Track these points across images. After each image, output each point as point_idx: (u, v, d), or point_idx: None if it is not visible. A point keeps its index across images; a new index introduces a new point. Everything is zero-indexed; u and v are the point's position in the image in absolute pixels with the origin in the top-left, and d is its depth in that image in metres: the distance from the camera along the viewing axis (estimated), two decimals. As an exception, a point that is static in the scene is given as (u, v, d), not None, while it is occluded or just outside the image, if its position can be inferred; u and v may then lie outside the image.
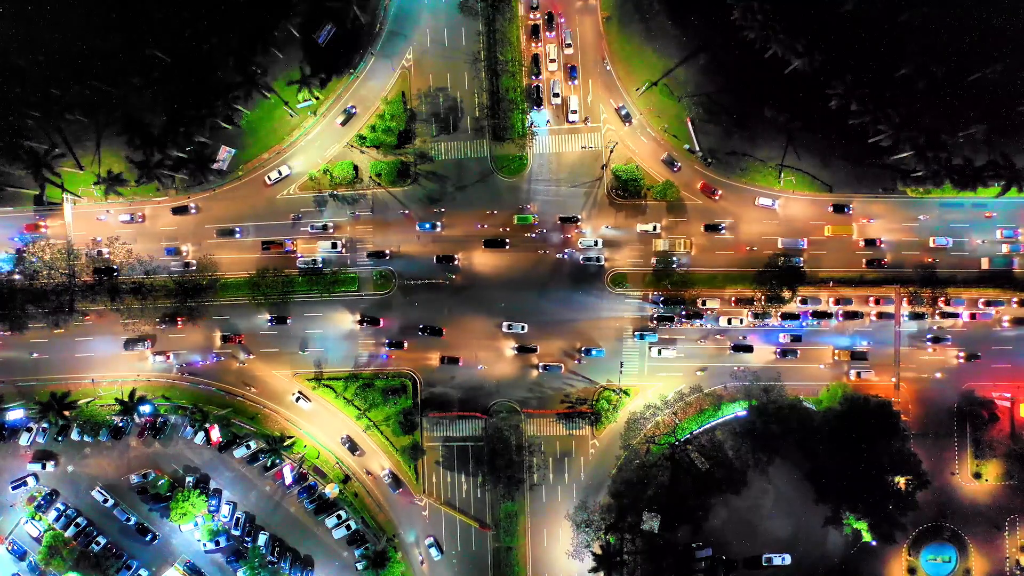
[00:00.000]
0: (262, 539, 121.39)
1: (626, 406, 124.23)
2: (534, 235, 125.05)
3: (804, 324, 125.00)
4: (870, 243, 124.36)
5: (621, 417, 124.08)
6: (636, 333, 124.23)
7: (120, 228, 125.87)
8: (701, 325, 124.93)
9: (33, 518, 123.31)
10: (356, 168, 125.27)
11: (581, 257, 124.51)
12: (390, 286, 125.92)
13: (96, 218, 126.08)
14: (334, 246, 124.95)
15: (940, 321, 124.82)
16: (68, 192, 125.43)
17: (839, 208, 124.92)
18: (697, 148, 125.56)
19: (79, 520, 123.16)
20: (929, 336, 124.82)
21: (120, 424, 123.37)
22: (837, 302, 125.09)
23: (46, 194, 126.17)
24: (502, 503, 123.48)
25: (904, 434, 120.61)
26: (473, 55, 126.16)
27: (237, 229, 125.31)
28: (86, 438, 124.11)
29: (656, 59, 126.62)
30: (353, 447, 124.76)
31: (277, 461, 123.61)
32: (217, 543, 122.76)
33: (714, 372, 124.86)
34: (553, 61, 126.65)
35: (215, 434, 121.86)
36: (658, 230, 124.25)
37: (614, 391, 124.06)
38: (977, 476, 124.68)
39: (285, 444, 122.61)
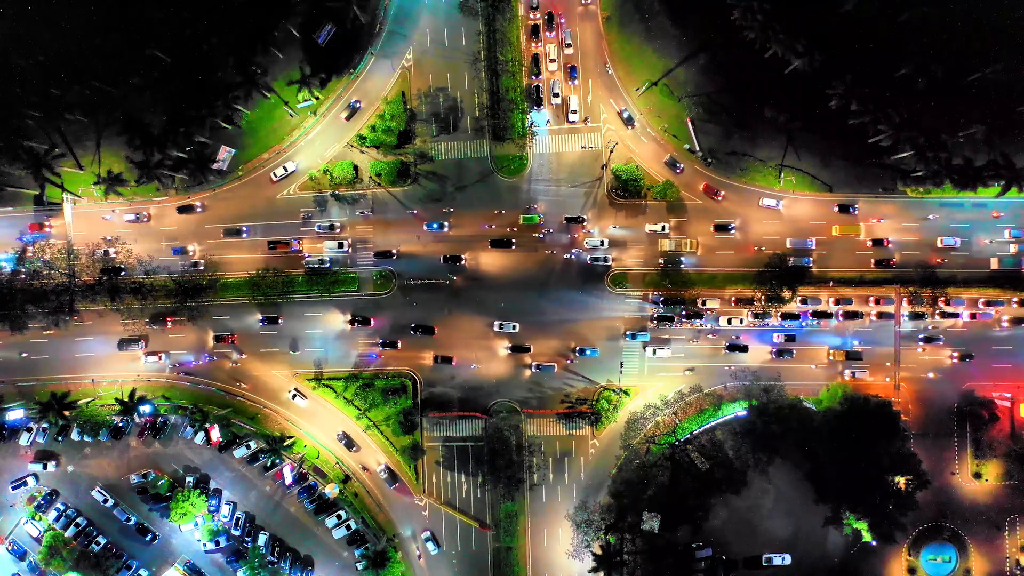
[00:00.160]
0: (262, 539, 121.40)
1: (626, 406, 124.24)
2: (541, 235, 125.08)
3: (804, 324, 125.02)
4: (877, 243, 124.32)
5: (621, 417, 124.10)
6: (628, 333, 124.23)
7: (125, 228, 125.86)
8: (701, 325, 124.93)
9: (33, 518, 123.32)
10: (356, 168, 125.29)
11: (588, 257, 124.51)
12: (390, 286, 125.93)
13: (102, 217, 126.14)
14: (340, 246, 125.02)
15: (940, 321, 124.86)
16: (68, 192, 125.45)
17: (844, 208, 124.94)
18: (697, 148, 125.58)
19: (79, 520, 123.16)
20: (921, 336, 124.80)
21: (120, 424, 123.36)
22: (837, 302, 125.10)
23: (46, 194, 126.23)
24: (502, 503, 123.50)
25: (904, 434, 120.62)
26: (473, 55, 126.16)
27: (244, 229, 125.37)
28: (86, 438, 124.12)
29: (656, 59, 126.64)
30: (349, 443, 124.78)
31: (277, 461, 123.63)
32: (217, 543, 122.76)
33: (708, 372, 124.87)
34: (553, 61, 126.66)
35: (215, 434, 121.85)
36: (667, 230, 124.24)
37: (614, 391, 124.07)
38: (977, 476, 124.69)
39: (285, 444, 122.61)
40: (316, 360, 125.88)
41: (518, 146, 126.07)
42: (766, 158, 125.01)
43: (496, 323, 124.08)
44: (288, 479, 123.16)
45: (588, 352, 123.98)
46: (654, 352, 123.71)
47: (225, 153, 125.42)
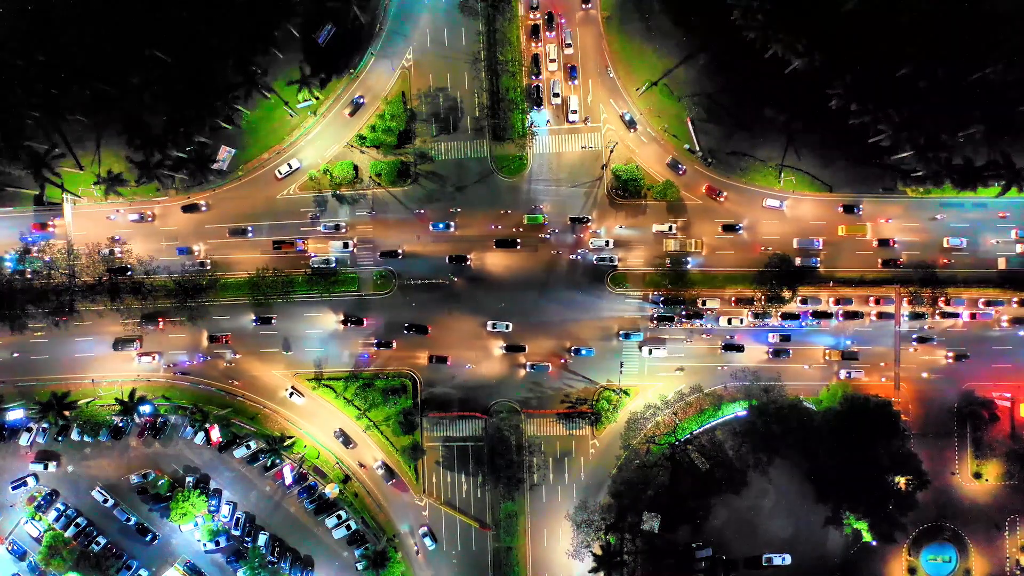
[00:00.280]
0: (262, 539, 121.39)
1: (626, 406, 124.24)
2: (547, 235, 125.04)
3: (804, 324, 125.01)
4: (884, 243, 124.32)
5: (621, 417, 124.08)
6: (621, 333, 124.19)
7: (130, 227, 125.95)
8: (701, 325, 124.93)
9: (33, 518, 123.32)
10: (356, 168, 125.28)
11: (595, 258, 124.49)
12: (390, 286, 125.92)
13: (106, 217, 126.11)
14: (345, 246, 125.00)
15: (940, 321, 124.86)
16: (68, 192, 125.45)
17: (849, 209, 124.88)
18: (697, 148, 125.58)
19: (79, 520, 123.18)
20: (915, 336, 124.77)
21: (120, 424, 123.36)
22: (837, 302, 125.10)
23: (46, 194, 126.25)
24: (502, 503, 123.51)
25: (904, 434, 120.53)
26: (473, 55, 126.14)
27: (249, 229, 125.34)
28: (86, 438, 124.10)
29: (656, 59, 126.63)
30: (347, 440, 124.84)
31: (277, 461, 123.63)
32: (217, 543, 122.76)
33: (702, 372, 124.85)
34: (553, 61, 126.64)
35: (215, 434, 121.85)
36: (674, 230, 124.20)
37: (614, 391, 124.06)
38: (977, 476, 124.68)
39: (285, 444, 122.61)
40: (316, 360, 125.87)
41: (518, 146, 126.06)
42: (766, 158, 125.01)
43: (489, 323, 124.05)
44: (288, 479, 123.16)
45: (584, 352, 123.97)
46: (650, 352, 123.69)
47: (225, 153, 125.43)
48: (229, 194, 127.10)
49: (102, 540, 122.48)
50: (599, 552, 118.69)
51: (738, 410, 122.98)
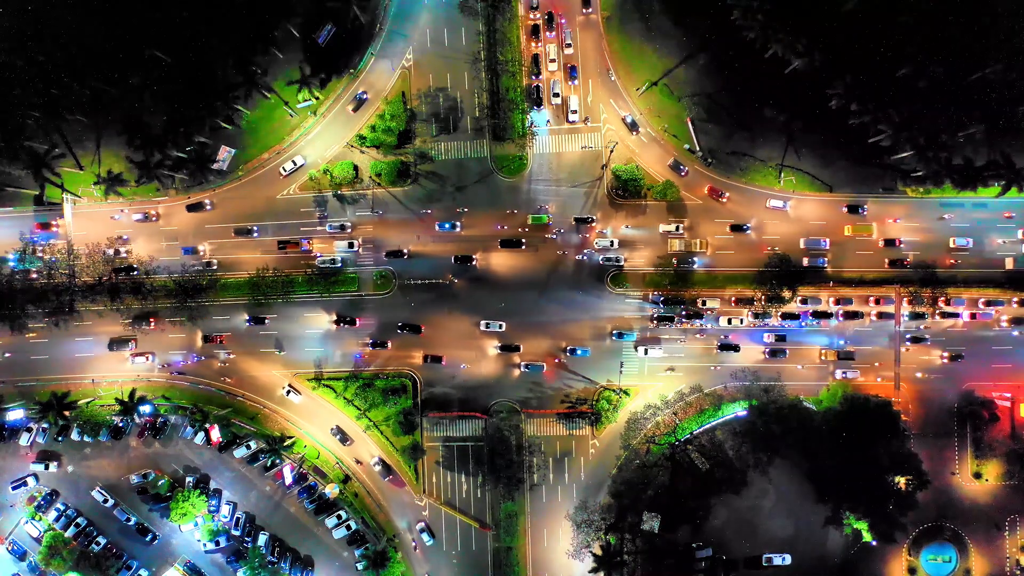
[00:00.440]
0: (262, 539, 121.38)
1: (626, 406, 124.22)
2: (553, 235, 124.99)
3: (804, 324, 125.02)
4: (889, 243, 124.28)
5: (621, 417, 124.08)
6: (614, 332, 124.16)
7: (134, 227, 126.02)
8: (701, 325, 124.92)
9: (33, 518, 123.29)
10: (356, 168, 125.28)
11: (601, 258, 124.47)
12: (390, 286, 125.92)
13: (110, 217, 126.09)
14: (351, 245, 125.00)
15: (940, 321, 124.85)
16: (68, 192, 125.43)
17: (853, 209, 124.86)
18: (697, 148, 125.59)
19: (79, 520, 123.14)
20: (909, 336, 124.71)
21: (120, 424, 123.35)
22: (837, 302, 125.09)
23: (46, 194, 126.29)
24: (502, 503, 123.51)
25: (904, 434, 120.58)
26: (473, 55, 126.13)
27: (254, 228, 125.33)
28: (86, 438, 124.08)
29: (656, 59, 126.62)
30: (343, 437, 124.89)
31: (277, 461, 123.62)
32: (217, 543, 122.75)
33: (696, 372, 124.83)
34: (553, 61, 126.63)
35: (215, 434, 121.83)
36: (681, 231, 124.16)
37: (614, 391, 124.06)
38: (977, 476, 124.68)
39: (285, 444, 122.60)
40: (309, 360, 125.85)
41: (518, 146, 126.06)
42: (766, 158, 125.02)
43: (482, 322, 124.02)
44: (288, 479, 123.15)
45: (580, 352, 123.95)
46: (646, 352, 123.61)
47: (225, 153, 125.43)
48: (230, 194, 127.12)
49: (102, 540, 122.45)
50: (599, 552, 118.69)
51: (738, 410, 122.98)
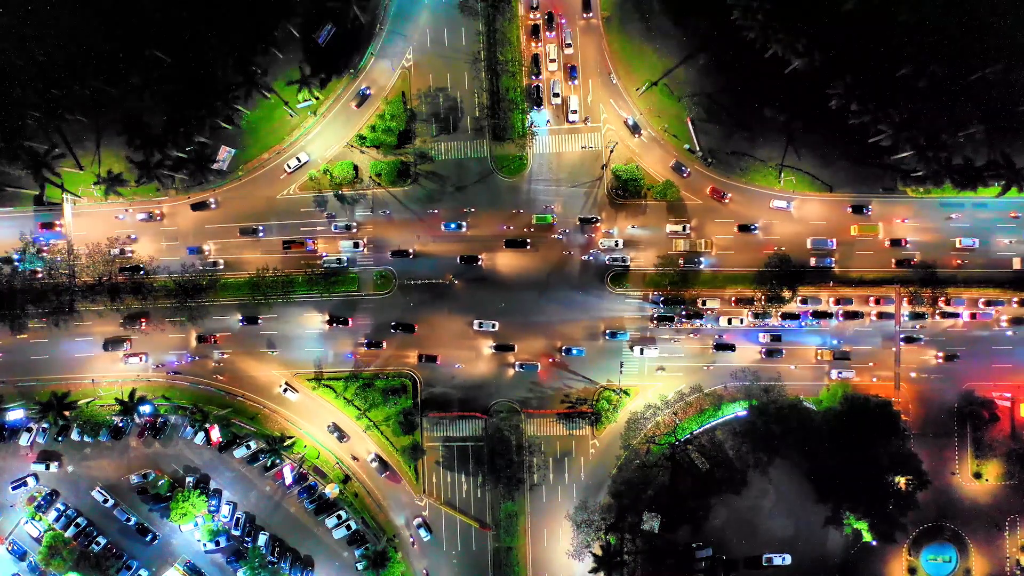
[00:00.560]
0: (262, 539, 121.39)
1: (626, 406, 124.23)
2: (559, 235, 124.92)
3: (804, 324, 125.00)
4: (896, 243, 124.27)
5: (621, 417, 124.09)
6: (607, 332, 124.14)
7: (137, 227, 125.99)
8: (701, 325, 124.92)
9: (33, 518, 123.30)
10: (356, 168, 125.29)
11: (607, 258, 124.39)
12: (390, 287, 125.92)
13: (115, 216, 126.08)
14: (356, 245, 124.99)
15: (940, 321, 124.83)
16: (68, 192, 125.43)
17: (858, 209, 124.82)
18: (697, 148, 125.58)
19: (79, 520, 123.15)
20: (902, 336, 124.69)
21: (120, 424, 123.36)
22: (837, 302, 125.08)
23: (46, 194, 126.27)
24: (502, 503, 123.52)
25: (904, 434, 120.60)
26: (473, 55, 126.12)
27: (260, 228, 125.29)
28: (86, 438, 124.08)
29: (656, 59, 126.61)
30: (340, 434, 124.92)
31: (277, 461, 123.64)
32: (217, 543, 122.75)
33: (689, 371, 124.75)
34: (553, 61, 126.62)
35: (215, 434, 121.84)
36: (688, 231, 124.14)
37: (614, 391, 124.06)
38: (977, 476, 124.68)
39: (285, 444, 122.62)
40: (302, 359, 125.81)
41: (518, 146, 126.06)
42: (766, 158, 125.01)
43: (475, 322, 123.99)
44: (288, 479, 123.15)
45: (575, 351, 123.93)
46: (641, 352, 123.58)
47: (225, 153, 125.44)
48: (230, 194, 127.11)
49: (102, 540, 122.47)
50: (599, 552, 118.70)
51: (738, 410, 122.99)
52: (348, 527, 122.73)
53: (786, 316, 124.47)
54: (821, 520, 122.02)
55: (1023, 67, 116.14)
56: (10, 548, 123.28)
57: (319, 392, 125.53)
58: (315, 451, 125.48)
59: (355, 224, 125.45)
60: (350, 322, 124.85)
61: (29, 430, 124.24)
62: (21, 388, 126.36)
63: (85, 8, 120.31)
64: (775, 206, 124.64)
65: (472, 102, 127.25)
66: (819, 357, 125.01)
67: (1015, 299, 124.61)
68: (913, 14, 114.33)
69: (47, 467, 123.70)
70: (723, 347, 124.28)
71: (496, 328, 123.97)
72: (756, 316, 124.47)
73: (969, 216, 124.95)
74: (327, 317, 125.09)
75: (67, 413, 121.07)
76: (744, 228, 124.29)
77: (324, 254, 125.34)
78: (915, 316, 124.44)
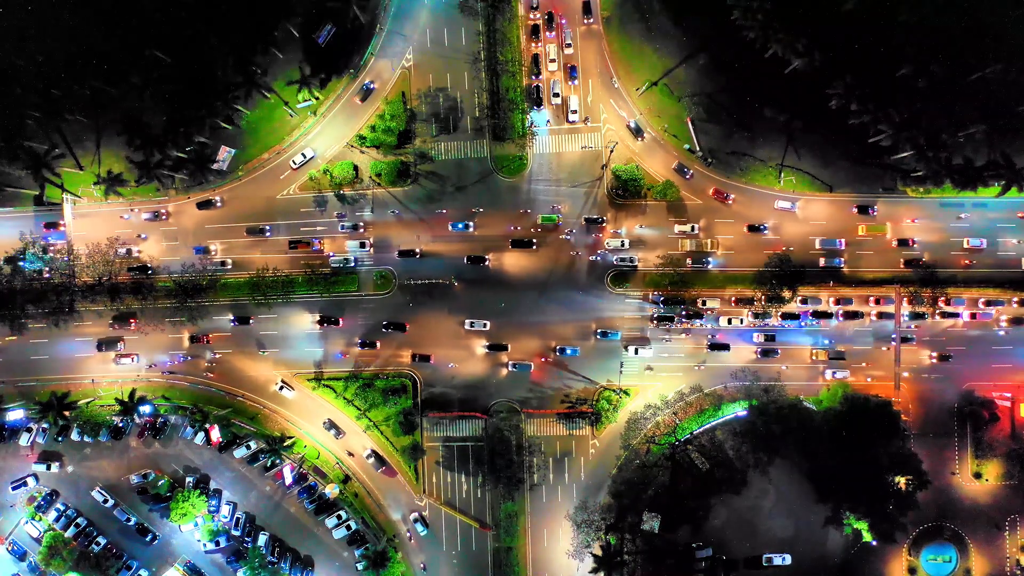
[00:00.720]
0: (262, 539, 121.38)
1: (626, 406, 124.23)
2: (567, 235, 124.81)
3: (804, 324, 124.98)
4: (903, 243, 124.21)
5: (621, 417, 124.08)
6: (598, 331, 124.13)
7: (142, 226, 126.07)
8: (700, 324, 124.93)
9: (33, 518, 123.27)
10: (356, 168, 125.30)
11: (614, 259, 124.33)
12: (390, 287, 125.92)
13: (120, 216, 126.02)
14: (362, 245, 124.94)
15: (941, 321, 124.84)
16: (68, 192, 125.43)
17: (863, 209, 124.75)
18: (697, 148, 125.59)
19: (79, 520, 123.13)
20: (894, 337, 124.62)
21: (120, 424, 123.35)
22: (837, 302, 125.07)
23: (46, 194, 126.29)
24: (502, 503, 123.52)
25: (904, 434, 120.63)
26: (473, 55, 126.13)
27: (267, 228, 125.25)
28: (86, 438, 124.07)
29: (656, 59, 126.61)
30: (336, 431, 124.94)
31: (277, 461, 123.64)
32: (217, 543, 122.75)
33: (681, 372, 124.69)
34: (553, 61, 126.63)
35: (215, 434, 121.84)
36: (696, 231, 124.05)
37: (614, 391, 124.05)
38: (977, 476, 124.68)
39: (285, 444, 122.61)
40: (304, 360, 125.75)
41: (518, 146, 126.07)
42: (766, 158, 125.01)
43: (466, 321, 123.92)
44: (288, 479, 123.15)
45: (569, 351, 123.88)
46: (636, 351, 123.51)
47: (225, 153, 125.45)
48: (230, 194, 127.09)
49: (102, 540, 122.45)
50: (599, 552, 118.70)
51: (738, 410, 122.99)
52: (348, 527, 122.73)
53: (786, 316, 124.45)
54: (821, 520, 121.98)
55: (1023, 67, 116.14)
56: (10, 548, 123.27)
57: (319, 392, 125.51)
58: (315, 451, 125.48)
59: (363, 224, 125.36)
60: (340, 322, 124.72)
61: (29, 430, 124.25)
62: (21, 388, 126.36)
63: (85, 8, 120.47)
64: (779, 207, 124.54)
65: (472, 102, 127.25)
66: (814, 357, 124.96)
67: (1015, 299, 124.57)
68: (913, 14, 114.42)
69: (47, 467, 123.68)
70: (717, 347, 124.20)
71: (488, 327, 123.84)
72: (756, 316, 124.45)
73: (977, 216, 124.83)
74: (318, 317, 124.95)
75: (67, 413, 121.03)
76: (753, 228, 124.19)
77: (331, 254, 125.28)
78: (915, 316, 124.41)
